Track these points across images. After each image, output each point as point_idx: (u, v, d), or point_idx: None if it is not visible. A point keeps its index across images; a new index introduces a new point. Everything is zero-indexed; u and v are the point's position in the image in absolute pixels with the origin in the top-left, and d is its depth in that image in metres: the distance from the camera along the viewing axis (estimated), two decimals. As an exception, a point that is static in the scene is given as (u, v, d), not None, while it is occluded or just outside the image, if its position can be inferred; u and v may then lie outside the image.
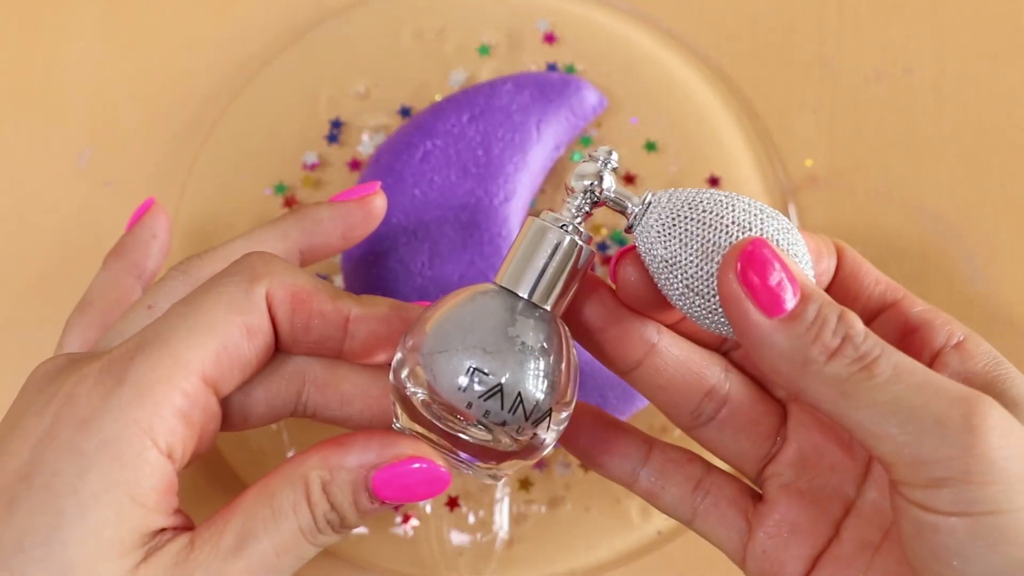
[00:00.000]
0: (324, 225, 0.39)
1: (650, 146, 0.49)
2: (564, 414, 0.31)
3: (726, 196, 0.30)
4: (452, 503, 0.46)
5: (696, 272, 0.30)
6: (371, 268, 0.45)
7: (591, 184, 0.31)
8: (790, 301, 0.27)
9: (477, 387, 0.29)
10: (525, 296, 0.31)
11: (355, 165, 0.49)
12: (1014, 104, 0.50)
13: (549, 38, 0.50)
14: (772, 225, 0.30)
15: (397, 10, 0.50)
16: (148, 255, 0.42)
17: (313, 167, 0.49)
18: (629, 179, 0.49)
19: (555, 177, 0.49)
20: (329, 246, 0.39)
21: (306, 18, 0.51)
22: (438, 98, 0.49)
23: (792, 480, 0.34)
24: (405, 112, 0.49)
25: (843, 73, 0.51)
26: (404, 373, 0.30)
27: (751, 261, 0.28)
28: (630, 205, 0.31)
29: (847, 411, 0.27)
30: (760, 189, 0.49)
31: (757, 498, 0.35)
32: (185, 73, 0.51)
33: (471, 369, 0.29)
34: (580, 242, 0.31)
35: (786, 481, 0.34)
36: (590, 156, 0.31)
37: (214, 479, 0.47)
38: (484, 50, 0.50)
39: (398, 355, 0.31)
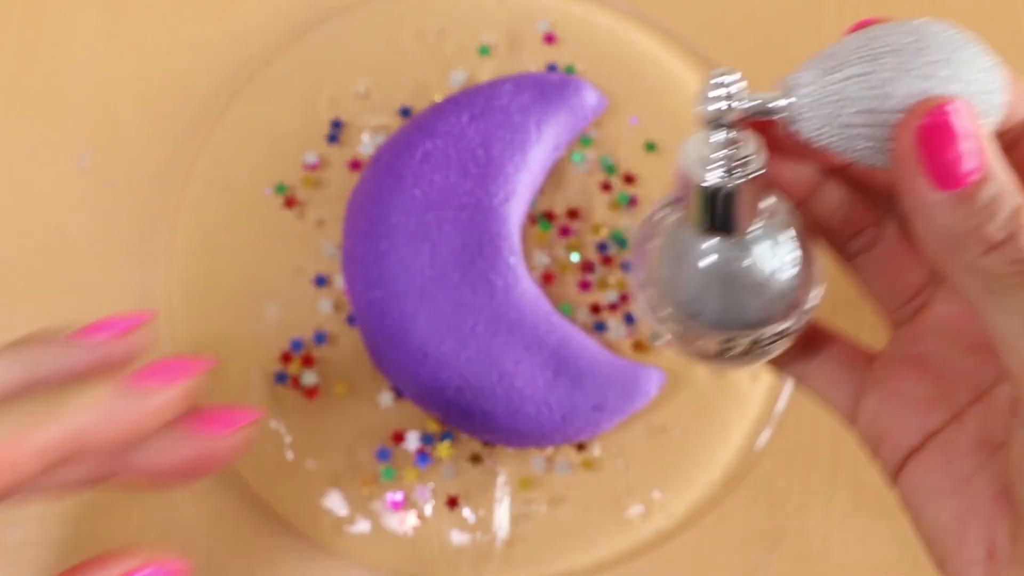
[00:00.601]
0: (61, 359, 0.31)
1: (650, 146, 0.49)
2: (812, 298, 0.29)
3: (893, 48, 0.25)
4: (452, 502, 0.46)
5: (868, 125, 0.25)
6: (371, 268, 0.45)
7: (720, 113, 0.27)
8: (965, 178, 0.24)
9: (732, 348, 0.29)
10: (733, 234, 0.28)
11: (355, 165, 0.49)
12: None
13: (549, 38, 0.50)
14: (964, 71, 0.25)
15: (397, 10, 0.50)
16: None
17: (313, 167, 0.49)
18: (629, 179, 0.49)
19: (555, 177, 0.49)
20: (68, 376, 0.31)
21: (306, 18, 0.51)
22: (438, 98, 0.49)
23: (920, 350, 0.30)
24: (405, 112, 0.50)
25: (842, 74, 0.51)
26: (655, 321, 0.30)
27: (933, 129, 0.24)
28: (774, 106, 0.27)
29: (988, 309, 0.25)
30: (759, 189, 0.49)
31: (871, 360, 0.32)
32: (185, 73, 0.51)
33: (724, 340, 0.29)
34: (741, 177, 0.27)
35: (913, 351, 0.31)
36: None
37: (213, 478, 0.47)
38: (484, 50, 0.50)
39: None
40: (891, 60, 0.25)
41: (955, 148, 0.24)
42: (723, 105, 0.27)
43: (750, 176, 0.26)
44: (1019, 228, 0.24)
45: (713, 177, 0.26)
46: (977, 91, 0.25)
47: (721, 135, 0.27)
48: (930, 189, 0.24)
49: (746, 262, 0.28)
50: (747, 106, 0.26)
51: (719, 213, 0.27)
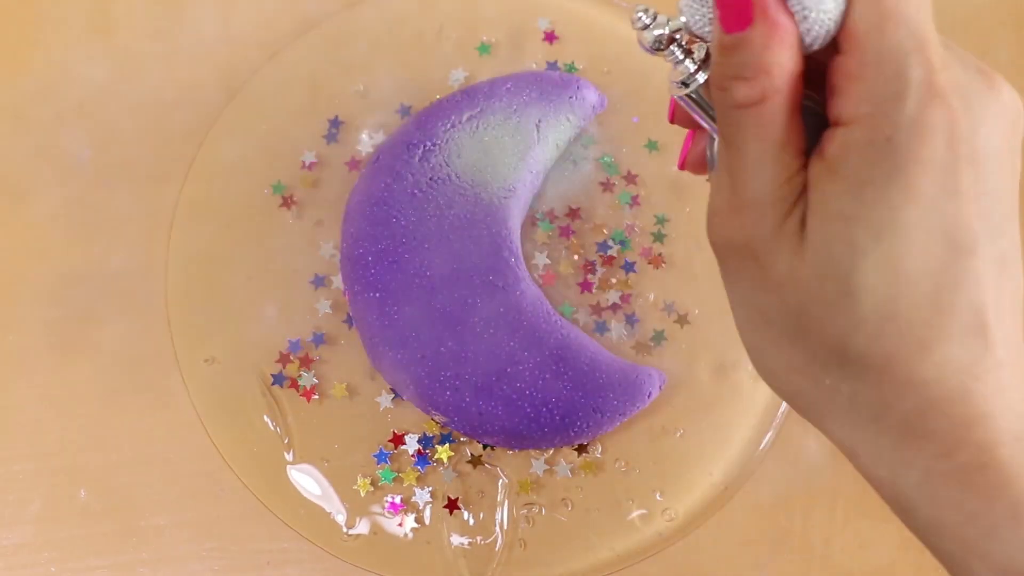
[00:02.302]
0: None
1: (651, 145, 0.49)
2: None
3: None
4: (452, 505, 0.45)
5: None
6: (370, 268, 0.45)
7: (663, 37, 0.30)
8: (729, 27, 0.27)
9: None
10: None
11: (354, 164, 0.49)
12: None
13: (549, 37, 0.50)
14: None
15: (397, 9, 0.50)
16: None
17: (312, 166, 0.49)
18: (630, 178, 0.49)
19: (555, 177, 0.49)
20: None
21: (306, 17, 0.51)
22: (438, 97, 0.49)
23: None
24: (405, 111, 0.49)
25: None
26: None
27: None
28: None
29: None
30: (761, 189, 0.49)
31: None
32: (184, 72, 0.51)
33: None
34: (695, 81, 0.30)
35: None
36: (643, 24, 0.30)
37: (213, 480, 0.47)
38: (484, 49, 0.50)
39: None
40: None
41: None
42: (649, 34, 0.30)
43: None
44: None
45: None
46: None
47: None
48: (721, 30, 0.28)
49: None
50: (665, 31, 0.30)
51: None
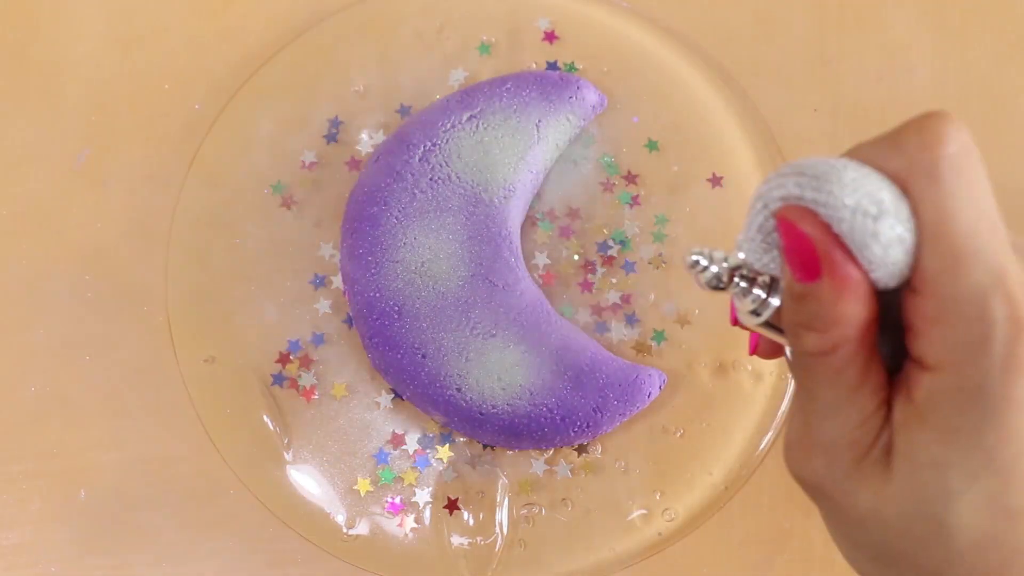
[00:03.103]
0: None
1: (651, 145, 0.49)
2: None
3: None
4: (452, 505, 0.45)
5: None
6: (370, 269, 0.45)
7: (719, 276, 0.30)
8: (803, 277, 0.27)
9: None
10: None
11: (354, 164, 0.49)
12: (1015, 104, 0.50)
13: (549, 36, 0.50)
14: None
15: (397, 9, 0.50)
16: None
17: (311, 166, 0.49)
18: (630, 178, 0.49)
19: (555, 177, 0.49)
20: None
21: (304, 17, 0.50)
22: (438, 97, 0.49)
23: None
24: (404, 111, 0.49)
25: (844, 73, 0.50)
26: None
27: (783, 224, 0.28)
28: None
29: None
30: (762, 189, 0.49)
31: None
32: (184, 72, 0.51)
33: None
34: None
35: None
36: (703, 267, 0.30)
37: (213, 480, 0.47)
38: (484, 49, 0.50)
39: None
40: (792, 189, 0.28)
41: (796, 244, 0.27)
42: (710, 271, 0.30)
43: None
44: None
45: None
46: (850, 205, 0.27)
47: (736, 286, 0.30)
48: (790, 278, 0.28)
49: None
50: (716, 270, 0.30)
51: None
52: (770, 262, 0.29)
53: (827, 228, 0.27)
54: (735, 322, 0.32)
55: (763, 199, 0.29)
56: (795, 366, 0.29)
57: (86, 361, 0.48)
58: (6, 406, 0.48)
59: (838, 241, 0.27)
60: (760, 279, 0.29)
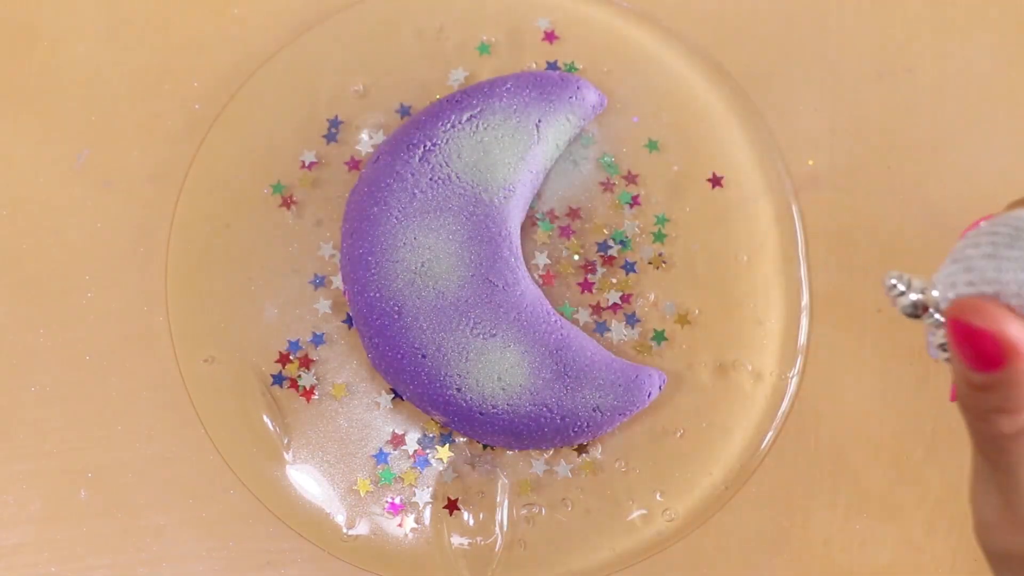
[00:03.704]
0: None
1: (652, 145, 0.49)
2: None
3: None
4: (451, 506, 0.45)
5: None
6: (369, 269, 0.45)
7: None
8: (977, 368, 0.27)
9: None
10: None
11: (354, 164, 0.49)
12: (1016, 103, 0.50)
13: (549, 36, 0.50)
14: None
15: (396, 8, 0.50)
16: None
17: (311, 166, 0.49)
18: (630, 178, 0.49)
19: (555, 177, 0.49)
20: None
21: (305, 17, 0.50)
22: (438, 97, 0.49)
23: None
24: (404, 111, 0.49)
25: (844, 72, 0.50)
26: None
27: (955, 323, 0.28)
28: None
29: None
30: (762, 189, 0.48)
31: None
32: (184, 72, 0.51)
33: None
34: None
35: None
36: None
37: (213, 480, 0.47)
38: (484, 48, 0.50)
39: None
40: (985, 248, 0.29)
41: (970, 341, 0.27)
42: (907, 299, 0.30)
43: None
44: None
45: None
46: None
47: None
48: (963, 365, 0.28)
49: None
50: (914, 299, 0.30)
51: None
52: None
53: (1006, 314, 0.27)
54: (955, 397, 0.32)
55: (955, 253, 0.29)
56: (989, 448, 0.28)
57: (86, 361, 0.48)
58: (6, 406, 0.48)
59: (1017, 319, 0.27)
60: None
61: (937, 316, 0.30)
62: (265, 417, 0.46)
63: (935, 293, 0.30)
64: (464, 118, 0.47)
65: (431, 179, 0.46)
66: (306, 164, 0.49)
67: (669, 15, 0.50)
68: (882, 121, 0.50)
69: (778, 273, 0.48)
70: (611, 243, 0.48)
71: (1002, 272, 0.28)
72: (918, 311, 0.30)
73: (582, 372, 0.45)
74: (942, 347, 0.30)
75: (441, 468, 0.46)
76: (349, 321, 0.47)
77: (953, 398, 0.32)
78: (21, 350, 0.48)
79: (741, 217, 0.48)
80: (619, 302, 0.48)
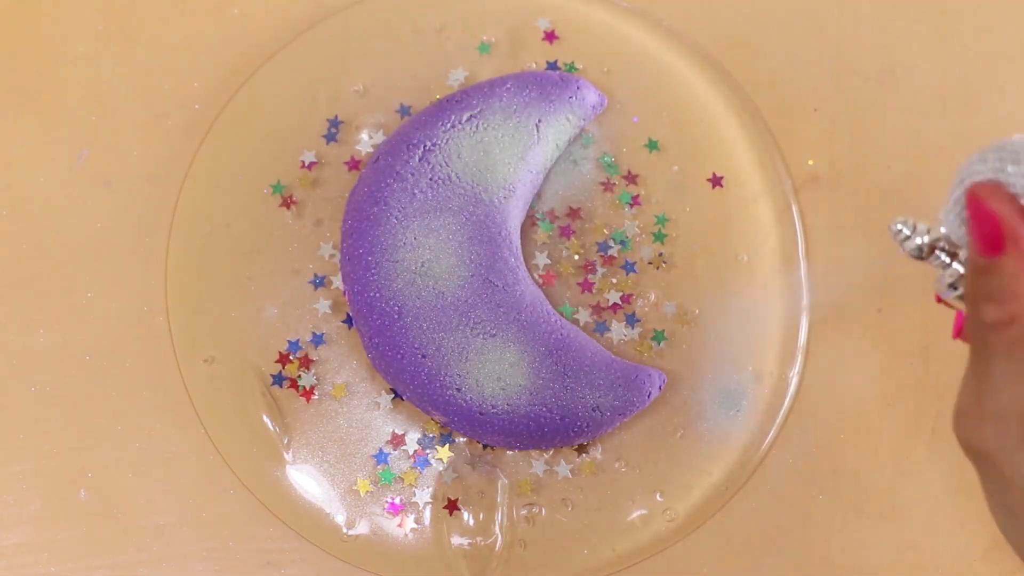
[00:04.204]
0: None
1: (652, 145, 0.49)
2: None
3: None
4: (451, 506, 0.45)
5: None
6: (369, 269, 0.45)
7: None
8: (985, 250, 0.29)
9: None
10: None
11: (354, 164, 0.49)
12: (1016, 103, 0.50)
13: (550, 36, 0.50)
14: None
15: (396, 8, 0.50)
16: None
17: (311, 166, 0.49)
18: (630, 178, 0.49)
19: (555, 177, 0.49)
20: None
21: (304, 16, 0.50)
22: (438, 97, 0.49)
23: None
24: (404, 111, 0.49)
25: (845, 72, 0.50)
26: None
27: (971, 201, 0.29)
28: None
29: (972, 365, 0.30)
30: (762, 188, 0.48)
31: None
32: (183, 72, 0.51)
33: None
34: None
35: None
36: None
37: (213, 480, 0.47)
38: (484, 48, 0.50)
39: None
40: (992, 164, 0.30)
41: (979, 220, 0.29)
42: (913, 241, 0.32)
43: None
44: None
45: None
46: None
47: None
48: (975, 251, 0.29)
49: None
50: (919, 242, 0.32)
51: None
52: (965, 235, 0.31)
53: (1016, 204, 0.28)
54: (939, 299, 0.33)
55: (961, 173, 0.31)
56: (972, 336, 0.30)
57: (86, 361, 0.48)
58: (6, 406, 0.48)
59: None
60: (961, 254, 0.31)
61: (943, 257, 0.31)
62: (265, 417, 0.46)
63: (943, 230, 0.31)
64: (464, 118, 0.46)
65: (431, 179, 0.46)
66: (306, 164, 0.49)
67: (669, 15, 0.50)
68: (882, 121, 0.50)
69: (778, 273, 0.48)
70: (611, 243, 0.48)
71: (1011, 187, 0.29)
72: (924, 253, 0.31)
73: (582, 372, 0.45)
74: (952, 286, 0.31)
75: (441, 468, 0.46)
76: (349, 321, 0.47)
77: (956, 334, 0.34)
78: (21, 350, 0.48)
79: (741, 217, 0.48)
80: (619, 302, 0.48)
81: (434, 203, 0.45)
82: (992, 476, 0.30)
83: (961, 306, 0.32)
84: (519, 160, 0.46)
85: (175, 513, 0.47)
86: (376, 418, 0.47)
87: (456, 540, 0.45)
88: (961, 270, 0.31)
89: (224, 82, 0.50)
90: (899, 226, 0.32)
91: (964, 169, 0.30)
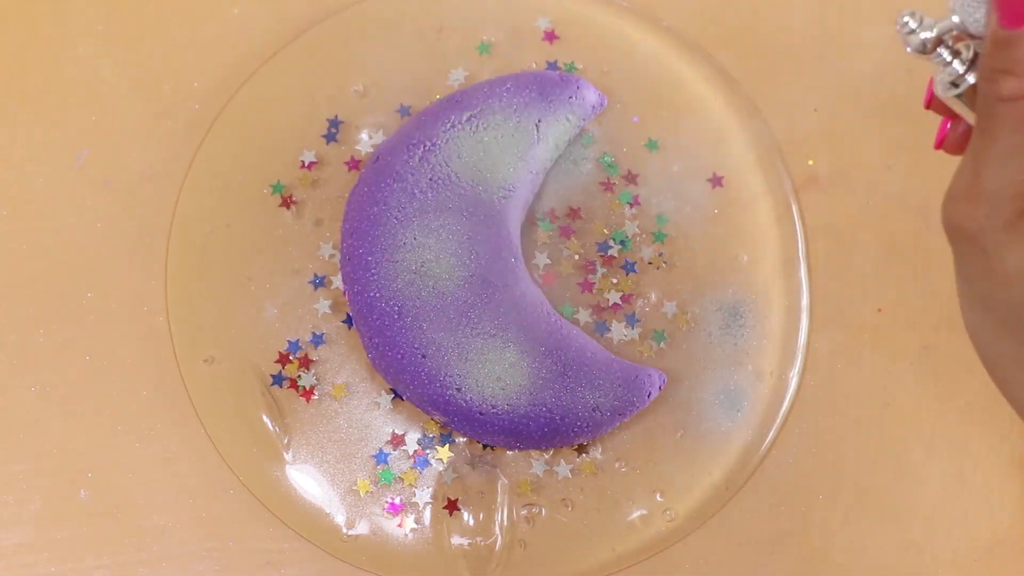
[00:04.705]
0: None
1: (652, 145, 0.49)
2: None
3: None
4: (451, 506, 0.45)
5: None
6: (369, 269, 0.45)
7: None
8: (1008, 24, 0.28)
9: None
10: None
11: (354, 164, 0.49)
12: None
13: (550, 36, 0.50)
14: None
15: (396, 8, 0.50)
16: None
17: (311, 166, 0.49)
18: (630, 178, 0.49)
19: (555, 176, 0.49)
20: None
21: (304, 16, 0.50)
22: (438, 97, 0.49)
23: None
24: (404, 111, 0.49)
25: (845, 72, 0.50)
26: None
27: None
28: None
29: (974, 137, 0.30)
30: (762, 188, 0.48)
31: None
32: (183, 72, 0.51)
33: None
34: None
35: None
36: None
37: (213, 480, 0.47)
38: (484, 48, 0.50)
39: None
40: None
41: None
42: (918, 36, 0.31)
43: None
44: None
45: None
46: None
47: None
48: (996, 24, 0.29)
49: None
50: (924, 37, 0.31)
51: None
52: (978, 24, 0.30)
53: None
54: (928, 104, 0.33)
55: None
56: (982, 113, 0.30)
57: (86, 361, 0.48)
58: (6, 406, 0.48)
59: None
60: (963, 50, 0.31)
61: (945, 55, 0.31)
62: (265, 417, 0.46)
63: (955, 19, 0.31)
64: (464, 118, 0.46)
65: (431, 179, 0.46)
66: (306, 164, 0.49)
67: (669, 15, 0.50)
68: (882, 121, 0.50)
69: (778, 273, 0.48)
70: (611, 243, 0.48)
71: None
72: (927, 49, 0.31)
73: (582, 372, 0.45)
74: (952, 84, 0.31)
75: (441, 468, 0.46)
76: (349, 321, 0.47)
77: (938, 144, 0.34)
78: (21, 350, 0.48)
79: (741, 217, 0.49)
80: (619, 302, 0.48)
81: (434, 203, 0.45)
82: (973, 262, 0.30)
83: (958, 108, 0.31)
84: (519, 160, 0.46)
85: (175, 513, 0.47)
86: (376, 418, 0.47)
87: (456, 540, 0.45)
88: (960, 69, 0.31)
89: (224, 82, 0.50)
90: (906, 18, 0.31)
91: None
